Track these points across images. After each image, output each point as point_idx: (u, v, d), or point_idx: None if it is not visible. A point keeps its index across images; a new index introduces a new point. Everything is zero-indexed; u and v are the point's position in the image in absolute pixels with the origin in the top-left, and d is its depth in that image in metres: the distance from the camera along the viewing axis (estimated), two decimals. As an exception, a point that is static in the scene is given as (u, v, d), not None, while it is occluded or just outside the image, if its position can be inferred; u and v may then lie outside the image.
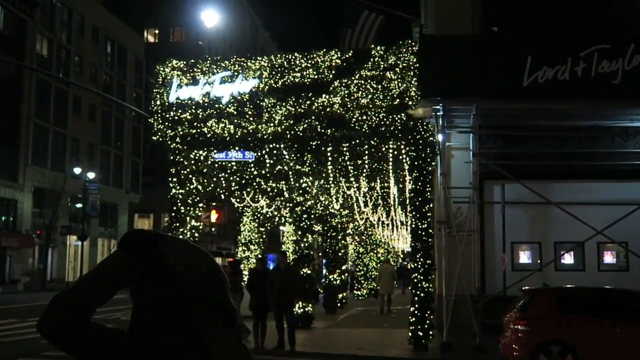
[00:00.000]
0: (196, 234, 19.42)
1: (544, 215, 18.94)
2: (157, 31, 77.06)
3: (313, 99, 17.48)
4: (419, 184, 16.20)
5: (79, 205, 52.62)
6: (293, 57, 17.95)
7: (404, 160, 18.18)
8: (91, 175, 51.45)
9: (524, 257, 19.43)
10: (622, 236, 17.47)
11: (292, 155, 19.09)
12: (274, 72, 18.02)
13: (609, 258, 19.33)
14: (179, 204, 19.24)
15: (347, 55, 17.57)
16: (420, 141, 16.36)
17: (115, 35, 62.67)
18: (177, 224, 19.13)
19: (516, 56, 16.48)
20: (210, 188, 20.92)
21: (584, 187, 18.82)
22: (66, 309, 1.73)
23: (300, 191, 19.25)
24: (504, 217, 16.69)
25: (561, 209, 17.04)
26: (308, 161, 18.97)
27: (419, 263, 15.90)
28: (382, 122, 16.79)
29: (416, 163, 16.31)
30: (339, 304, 27.79)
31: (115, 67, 63.26)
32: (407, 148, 17.05)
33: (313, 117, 17.42)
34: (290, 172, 19.94)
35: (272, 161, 20.48)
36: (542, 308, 12.61)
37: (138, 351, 1.73)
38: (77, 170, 50.02)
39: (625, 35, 16.97)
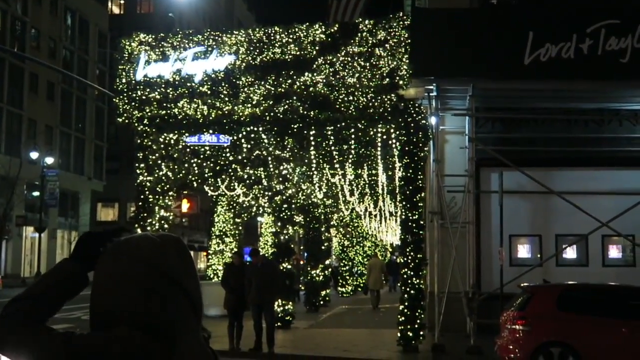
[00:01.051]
0: (165, 225, 19.35)
1: (545, 205, 19.08)
2: (122, 1, 76.40)
3: (295, 77, 17.42)
4: (410, 171, 16.23)
5: (36, 194, 52.22)
6: (273, 31, 17.87)
7: (394, 145, 18.18)
8: (50, 160, 51.06)
9: (523, 251, 19.57)
10: (628, 229, 17.64)
11: (272, 139, 19.05)
12: (251, 48, 17.94)
13: (614, 252, 19.51)
14: (147, 193, 19.15)
15: (332, 30, 17.52)
16: (412, 124, 16.38)
17: (76, 5, 62.04)
18: (145, 215, 19.04)
19: (517, 32, 16.52)
20: (181, 175, 20.84)
21: (588, 175, 18.96)
22: (18, 316, 1.82)
23: (280, 179, 19.23)
24: (501, 208, 16.76)
25: (564, 199, 17.16)
26: (289, 146, 18.94)
27: (409, 257, 15.96)
28: (370, 104, 16.78)
29: (407, 148, 16.33)
30: (321, 302, 27.88)
31: (76, 41, 62.67)
32: (398, 132, 17.05)
33: (294, 98, 17.38)
34: (269, 158, 19.90)
35: (249, 145, 20.41)
36: (542, 306, 12.72)
37: (94, 353, 1.78)
38: (34, 155, 49.61)
39: (635, 9, 17.04)
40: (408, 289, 15.93)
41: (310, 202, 27.23)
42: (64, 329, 1.88)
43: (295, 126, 17.94)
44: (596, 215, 16.94)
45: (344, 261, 37.96)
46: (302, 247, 39.77)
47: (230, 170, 22.43)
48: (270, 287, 15.65)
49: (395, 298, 23.73)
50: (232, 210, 27.01)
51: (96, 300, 1.86)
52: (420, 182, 16.38)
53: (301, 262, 32.77)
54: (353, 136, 19.54)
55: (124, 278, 1.83)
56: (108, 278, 1.85)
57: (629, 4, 17.46)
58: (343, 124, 17.82)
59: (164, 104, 18.35)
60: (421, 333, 15.86)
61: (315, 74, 17.29)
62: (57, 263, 1.93)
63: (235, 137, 19.64)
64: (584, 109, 18.56)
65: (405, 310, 15.83)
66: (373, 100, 16.77)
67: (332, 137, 19.50)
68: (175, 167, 20.12)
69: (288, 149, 18.97)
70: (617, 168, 18.87)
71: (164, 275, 1.85)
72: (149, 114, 18.51)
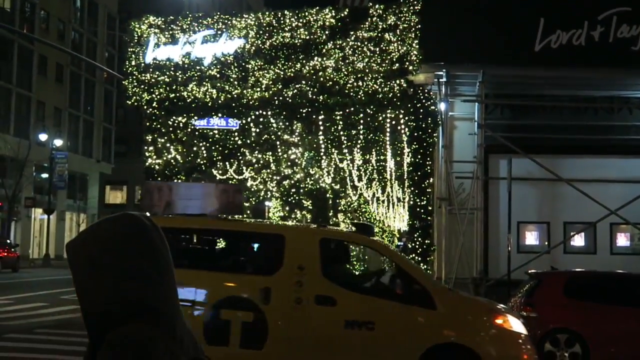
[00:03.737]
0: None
1: (553, 193, 19.04)
2: (132, -16, 76.21)
3: (304, 61, 17.40)
4: (419, 156, 16.24)
5: (44, 176, 52.39)
6: (282, 15, 17.84)
7: (403, 131, 18.17)
8: (58, 142, 51.15)
9: (531, 238, 19.55)
10: (637, 217, 17.61)
11: (280, 123, 19.05)
12: (261, 32, 17.91)
13: (622, 240, 19.48)
14: (155, 175, 19.21)
15: (342, 14, 17.48)
16: (421, 110, 16.36)
17: (85, -13, 61.96)
18: (153, 197, 19.10)
19: (528, 18, 16.46)
20: (189, 158, 20.88)
21: (597, 162, 18.91)
22: None
23: (289, 163, 19.25)
24: (510, 195, 16.74)
25: (572, 187, 17.13)
26: (297, 130, 18.94)
27: (417, 243, 15.99)
28: (380, 89, 16.76)
29: (416, 134, 16.33)
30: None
31: (85, 24, 62.63)
32: (406, 117, 17.04)
33: (303, 82, 17.37)
34: (277, 142, 19.90)
35: (258, 129, 20.41)
36: (549, 293, 12.72)
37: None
38: (43, 137, 49.71)
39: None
40: (415, 275, 15.95)
41: (318, 186, 27.23)
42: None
43: (304, 111, 17.94)
44: (605, 203, 16.91)
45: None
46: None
47: (238, 154, 22.44)
48: None
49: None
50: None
51: (85, 299, 1.73)
52: (428, 168, 16.38)
53: None
54: (362, 121, 19.52)
55: (99, 269, 1.71)
56: (86, 275, 1.72)
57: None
58: (352, 109, 17.81)
59: (173, 87, 18.37)
60: (428, 318, 15.89)
61: (324, 59, 17.26)
62: None
63: (244, 121, 19.65)
64: (594, 97, 18.49)
65: (412, 296, 15.85)
66: (382, 85, 16.75)
67: (340, 122, 19.49)
68: (184, 150, 20.16)
69: (297, 134, 18.97)
70: (626, 156, 18.81)
71: (148, 252, 1.74)
72: (158, 97, 18.53)
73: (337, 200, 32.84)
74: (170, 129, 19.48)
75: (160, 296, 1.73)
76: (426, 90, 16.60)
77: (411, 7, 16.84)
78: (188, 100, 18.28)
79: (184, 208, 10.28)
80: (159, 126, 19.25)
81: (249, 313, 8.77)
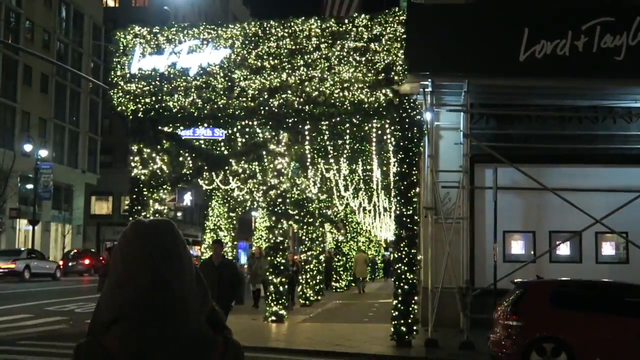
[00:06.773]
0: (160, 219, 19.28)
1: (539, 202, 19.11)
2: (117, -6, 76.09)
3: (290, 71, 17.41)
4: (405, 166, 16.24)
5: (29, 186, 52.12)
6: (268, 25, 17.84)
7: (389, 141, 18.20)
8: (43, 153, 50.93)
9: (517, 247, 19.60)
10: (622, 226, 17.68)
11: (267, 133, 19.03)
12: (247, 42, 17.91)
13: (607, 249, 19.56)
14: (141, 186, 19.13)
15: (328, 24, 17.50)
16: (407, 120, 16.38)
17: (70, -3, 61.79)
18: (139, 208, 19.02)
19: (512, 28, 16.53)
20: (175, 168, 20.81)
21: (582, 172, 19.00)
22: None
23: (275, 173, 19.22)
24: (495, 204, 16.78)
25: (558, 196, 17.19)
26: (284, 140, 18.93)
27: (403, 253, 15.98)
28: (366, 99, 16.77)
29: (402, 144, 16.34)
30: (315, 297, 27.91)
31: (70, 34, 62.44)
32: (392, 127, 17.06)
33: (289, 92, 17.36)
34: (263, 152, 19.88)
35: (244, 139, 20.40)
36: (535, 302, 12.75)
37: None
38: (28, 147, 49.47)
39: (630, 7, 17.05)
40: (402, 284, 15.96)
41: (304, 196, 27.22)
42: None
43: (290, 120, 17.94)
44: (590, 212, 16.98)
45: (337, 256, 37.98)
46: (295, 242, 39.79)
47: (224, 164, 22.39)
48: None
49: (388, 293, 23.77)
50: (227, 205, 27.00)
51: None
52: (414, 177, 16.39)
53: (297, 262, 32.13)
54: (348, 131, 19.54)
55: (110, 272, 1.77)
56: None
57: (624, 2, 17.46)
58: (338, 118, 17.83)
59: (159, 97, 18.31)
60: (414, 328, 15.89)
61: (310, 69, 17.27)
62: None
63: (230, 131, 19.61)
64: (578, 106, 18.59)
65: (399, 305, 15.86)
66: (368, 95, 16.76)
67: (326, 132, 19.51)
68: (170, 160, 20.09)
69: (283, 144, 18.96)
70: (611, 165, 18.91)
71: (146, 258, 1.77)
72: (144, 107, 18.47)
73: (324, 210, 32.86)
74: (156, 139, 19.42)
75: (131, 304, 1.72)
76: (412, 100, 16.63)
77: (396, 17, 16.88)
78: (174, 111, 18.23)
79: None
80: (144, 136, 19.18)
81: None
